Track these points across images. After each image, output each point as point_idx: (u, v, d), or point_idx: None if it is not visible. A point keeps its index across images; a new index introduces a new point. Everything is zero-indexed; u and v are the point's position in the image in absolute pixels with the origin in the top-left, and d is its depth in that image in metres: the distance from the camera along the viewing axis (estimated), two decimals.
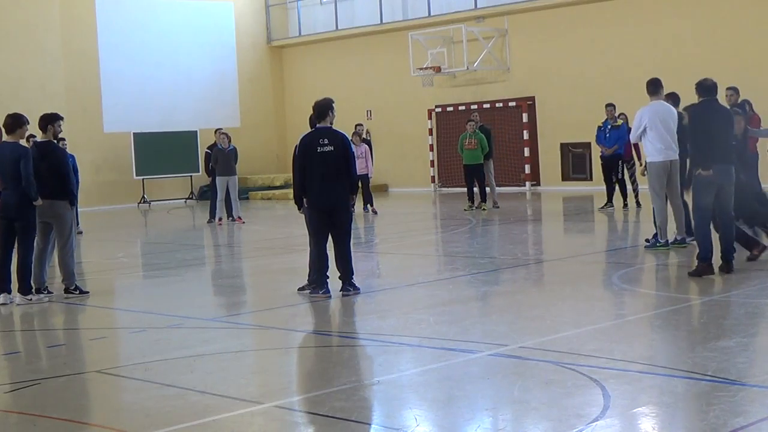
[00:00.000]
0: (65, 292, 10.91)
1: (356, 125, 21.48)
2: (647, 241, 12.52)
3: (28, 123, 10.68)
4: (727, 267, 10.16)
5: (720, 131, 10.12)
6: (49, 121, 10.84)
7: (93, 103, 27.81)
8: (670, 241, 12.11)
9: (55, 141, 11.03)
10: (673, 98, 12.55)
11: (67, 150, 13.13)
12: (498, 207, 20.25)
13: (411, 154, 28.66)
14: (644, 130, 11.96)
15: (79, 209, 16.20)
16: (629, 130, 17.95)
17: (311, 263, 10.22)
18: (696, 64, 21.90)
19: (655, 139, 11.94)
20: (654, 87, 12.12)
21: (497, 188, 21.19)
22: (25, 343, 9.14)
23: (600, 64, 24.67)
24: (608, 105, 18.90)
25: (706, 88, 10.24)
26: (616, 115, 18.71)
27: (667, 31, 23.64)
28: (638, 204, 18.37)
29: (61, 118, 10.99)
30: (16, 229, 10.49)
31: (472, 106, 26.62)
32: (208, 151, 21.39)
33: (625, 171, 18.65)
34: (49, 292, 10.93)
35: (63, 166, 10.74)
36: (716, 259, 10.21)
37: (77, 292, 10.91)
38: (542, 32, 25.81)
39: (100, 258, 15.43)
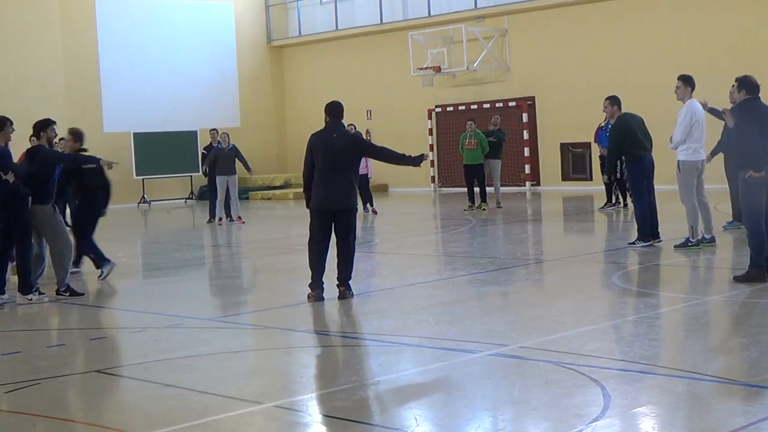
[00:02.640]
0: (56, 294, 10.87)
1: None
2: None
3: (12, 123, 10.64)
4: None
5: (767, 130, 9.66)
6: (42, 127, 10.86)
7: (93, 103, 27.81)
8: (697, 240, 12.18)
9: (49, 145, 10.98)
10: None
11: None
12: (501, 207, 20.25)
13: (411, 154, 28.62)
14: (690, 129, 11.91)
15: None
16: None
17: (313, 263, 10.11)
18: (696, 64, 21.89)
19: (695, 138, 11.93)
20: (694, 84, 12.12)
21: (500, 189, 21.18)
22: (25, 343, 9.14)
23: (600, 64, 24.67)
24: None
25: (753, 85, 9.81)
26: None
27: (667, 31, 23.65)
28: None
29: (54, 123, 10.99)
30: (11, 230, 10.47)
31: (472, 106, 26.67)
32: (205, 151, 21.37)
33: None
34: (40, 293, 10.83)
35: (45, 168, 10.66)
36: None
37: (67, 294, 10.86)
38: (542, 32, 25.82)
39: None
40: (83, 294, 10.92)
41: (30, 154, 10.85)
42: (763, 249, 9.63)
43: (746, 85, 9.84)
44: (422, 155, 10.18)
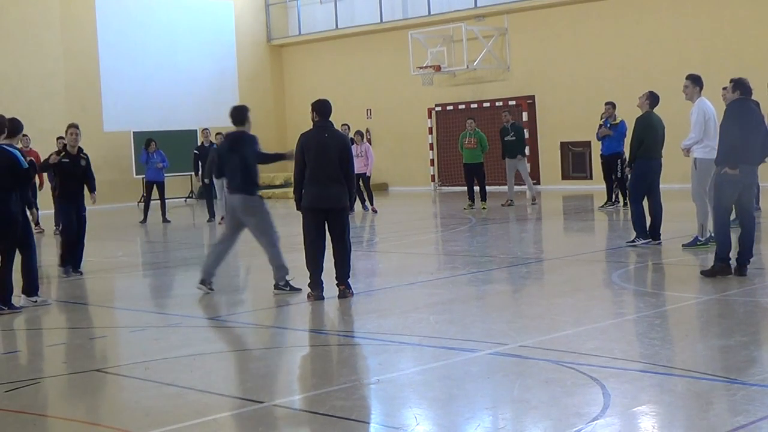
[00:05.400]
0: (275, 288, 10.58)
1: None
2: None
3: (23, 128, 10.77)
4: (740, 270, 9.92)
5: (752, 131, 9.90)
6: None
7: (93, 102, 27.81)
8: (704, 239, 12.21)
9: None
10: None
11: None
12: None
13: (411, 153, 28.66)
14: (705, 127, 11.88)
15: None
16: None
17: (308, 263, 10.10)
18: (696, 64, 21.90)
19: (712, 137, 11.92)
20: (702, 83, 12.06)
21: (513, 187, 21.30)
22: (25, 342, 9.14)
23: (600, 63, 24.68)
24: (607, 103, 18.99)
25: (747, 87, 10.06)
26: (616, 113, 18.76)
27: (666, 31, 23.65)
28: None
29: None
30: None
31: (472, 105, 26.67)
32: (197, 152, 21.31)
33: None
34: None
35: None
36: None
37: (288, 288, 10.52)
38: (542, 31, 25.82)
39: (100, 257, 15.42)
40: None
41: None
42: (726, 243, 9.93)
43: (740, 86, 10.10)
44: (352, 210, 10.16)
